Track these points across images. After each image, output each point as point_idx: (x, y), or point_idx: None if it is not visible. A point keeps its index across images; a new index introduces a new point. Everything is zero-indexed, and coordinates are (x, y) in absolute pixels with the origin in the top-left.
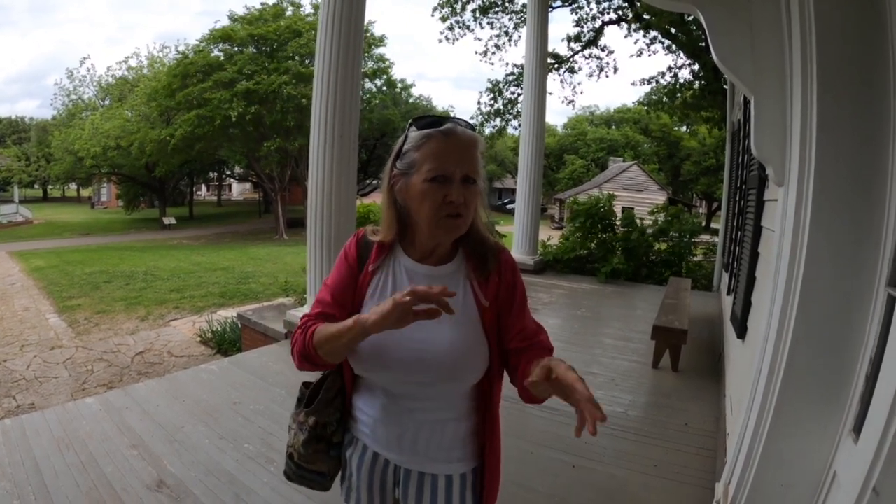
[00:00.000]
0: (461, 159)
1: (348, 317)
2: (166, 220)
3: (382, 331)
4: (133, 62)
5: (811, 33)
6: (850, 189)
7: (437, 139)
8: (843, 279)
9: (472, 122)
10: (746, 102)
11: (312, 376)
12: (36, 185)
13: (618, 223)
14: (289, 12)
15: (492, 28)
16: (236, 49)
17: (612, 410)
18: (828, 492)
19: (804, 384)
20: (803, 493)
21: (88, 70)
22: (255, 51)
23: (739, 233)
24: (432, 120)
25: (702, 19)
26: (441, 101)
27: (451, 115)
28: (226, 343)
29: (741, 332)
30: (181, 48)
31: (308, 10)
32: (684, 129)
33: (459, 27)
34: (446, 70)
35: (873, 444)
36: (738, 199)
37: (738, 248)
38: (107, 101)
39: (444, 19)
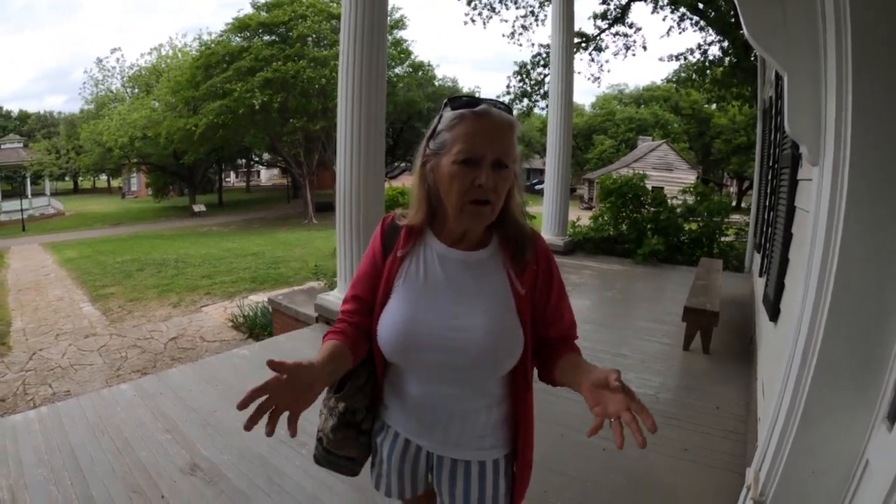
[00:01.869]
0: (493, 142)
1: (375, 308)
2: (196, 208)
3: (312, 396)
4: (157, 53)
5: (845, 8)
6: (886, 169)
7: (469, 120)
8: (878, 262)
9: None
10: (778, 79)
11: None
12: (66, 178)
13: (648, 203)
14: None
15: (517, 7)
16: (255, 37)
17: (642, 393)
18: (860, 480)
19: (837, 369)
20: (835, 480)
21: (118, 60)
22: (270, 38)
23: (772, 213)
24: (468, 101)
25: None
26: (465, 82)
27: (478, 96)
28: (257, 327)
29: (774, 314)
30: (205, 38)
31: None
32: (714, 106)
33: (486, 8)
34: (468, 52)
35: None
36: (770, 178)
37: (770, 229)
38: (134, 92)
39: (469, 2)
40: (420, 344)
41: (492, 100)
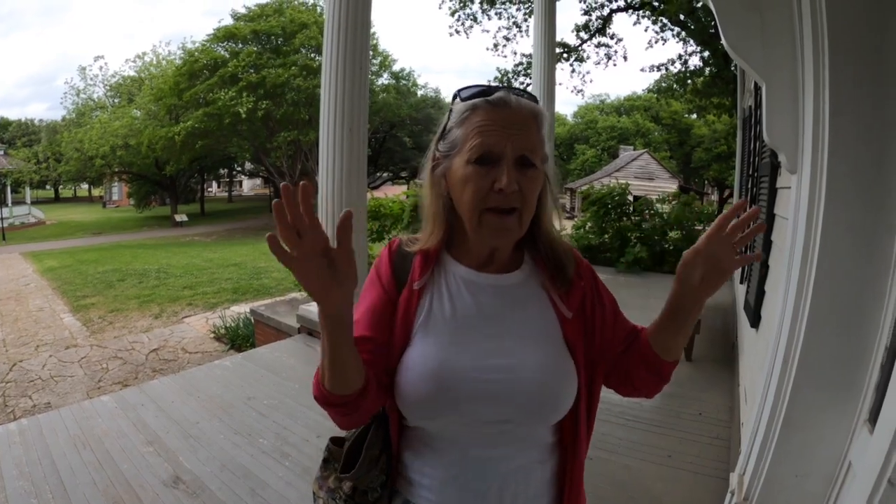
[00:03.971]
0: (514, 135)
1: (390, 353)
2: (178, 218)
3: (315, 290)
4: (141, 61)
5: (822, 17)
6: (863, 176)
7: (483, 110)
8: (857, 267)
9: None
10: (758, 88)
11: (341, 431)
12: (47, 186)
13: (631, 211)
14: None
15: (500, 19)
16: (240, 46)
17: (625, 401)
18: (843, 482)
19: (819, 374)
20: (818, 483)
21: (101, 69)
22: (258, 47)
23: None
24: (480, 89)
25: (711, 5)
26: (448, 92)
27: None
28: (239, 339)
29: (755, 320)
30: (188, 46)
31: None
32: (695, 116)
33: (469, 19)
34: (451, 62)
35: (889, 436)
36: (750, 186)
37: None
38: (116, 101)
39: (453, 13)
40: (456, 396)
41: (511, 87)
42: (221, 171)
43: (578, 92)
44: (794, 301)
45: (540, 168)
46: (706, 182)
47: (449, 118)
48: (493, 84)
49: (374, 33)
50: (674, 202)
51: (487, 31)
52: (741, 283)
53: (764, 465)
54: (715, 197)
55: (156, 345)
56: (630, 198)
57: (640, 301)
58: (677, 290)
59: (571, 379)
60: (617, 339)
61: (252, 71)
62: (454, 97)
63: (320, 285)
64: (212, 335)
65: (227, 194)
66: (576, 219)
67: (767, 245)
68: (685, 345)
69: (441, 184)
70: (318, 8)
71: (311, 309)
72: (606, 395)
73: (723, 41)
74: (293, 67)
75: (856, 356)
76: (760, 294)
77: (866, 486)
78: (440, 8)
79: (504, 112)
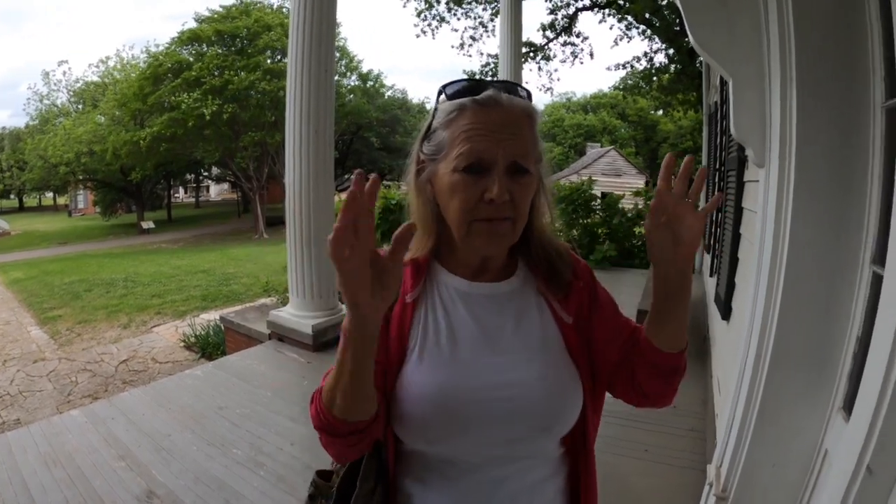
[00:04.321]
0: (506, 140)
1: (385, 374)
2: (144, 225)
3: (360, 301)
4: (105, 66)
5: (788, 12)
6: (831, 168)
7: (472, 112)
8: (827, 258)
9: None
10: (724, 84)
11: (317, 462)
12: (11, 196)
13: (598, 208)
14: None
15: (467, 19)
16: (205, 49)
17: None
18: (819, 469)
19: (792, 364)
20: (795, 472)
21: (65, 73)
22: (223, 50)
23: (720, 214)
24: (467, 85)
25: (678, 2)
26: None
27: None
28: (209, 347)
29: (726, 313)
30: (152, 50)
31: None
32: (661, 112)
33: (435, 20)
34: (418, 62)
35: (865, 424)
36: (716, 180)
37: (718, 230)
38: (80, 107)
39: (419, 14)
40: (461, 419)
41: (500, 81)
42: (188, 177)
43: (547, 90)
44: (766, 293)
45: (533, 173)
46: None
47: (434, 117)
48: (482, 78)
49: (341, 35)
50: (642, 197)
51: (456, 31)
52: (711, 275)
53: (741, 456)
54: None
55: (125, 356)
56: (598, 194)
57: (621, 289)
58: (656, 266)
59: (577, 389)
60: (618, 341)
61: (217, 73)
62: (439, 93)
63: (366, 295)
64: (182, 344)
65: (194, 200)
66: None
67: (736, 238)
68: (685, 330)
69: (427, 189)
70: (283, 9)
71: (282, 314)
72: None
73: (689, 37)
74: (257, 71)
75: (828, 346)
76: (731, 286)
77: (844, 473)
78: (405, 7)
79: (494, 113)
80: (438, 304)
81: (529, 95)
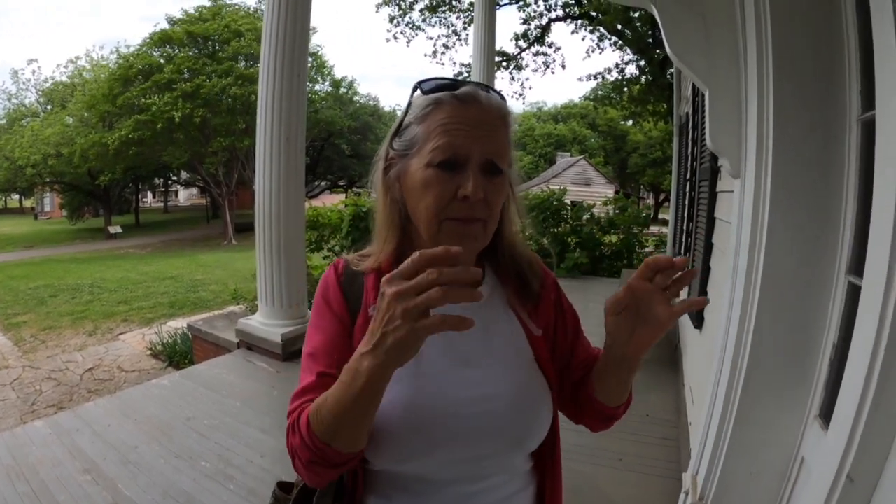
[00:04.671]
0: (482, 137)
1: None
2: (112, 230)
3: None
4: (74, 66)
5: (766, 24)
6: (807, 179)
7: (450, 106)
8: (803, 268)
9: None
10: (696, 95)
11: (288, 475)
12: None
13: (568, 217)
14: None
15: (441, 27)
16: (176, 51)
17: None
18: (797, 476)
19: (768, 373)
20: (772, 479)
21: (34, 73)
22: (195, 52)
23: (691, 224)
24: (444, 82)
25: (655, 14)
26: (387, 100)
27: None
28: (177, 355)
29: (698, 322)
30: (123, 51)
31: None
32: (630, 123)
33: (408, 27)
34: (388, 70)
35: (845, 432)
36: (687, 190)
37: (689, 240)
38: (48, 107)
39: (391, 20)
40: (429, 437)
41: (475, 82)
42: (157, 181)
43: (520, 97)
44: (742, 302)
45: (507, 175)
46: (641, 187)
47: (407, 112)
48: (458, 78)
49: (316, 43)
50: (612, 206)
51: (432, 39)
52: None
53: (717, 465)
54: (651, 200)
55: (90, 364)
56: (567, 202)
57: (580, 305)
58: (609, 342)
59: (547, 402)
60: (575, 362)
61: (188, 76)
62: (414, 89)
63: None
64: (148, 352)
65: (162, 204)
66: None
67: (708, 248)
68: (627, 391)
69: (395, 187)
70: (258, 12)
71: (251, 323)
72: None
73: (667, 48)
74: (228, 77)
75: (804, 354)
76: (703, 296)
77: (825, 481)
78: (377, 12)
79: (472, 109)
80: None
81: (504, 99)
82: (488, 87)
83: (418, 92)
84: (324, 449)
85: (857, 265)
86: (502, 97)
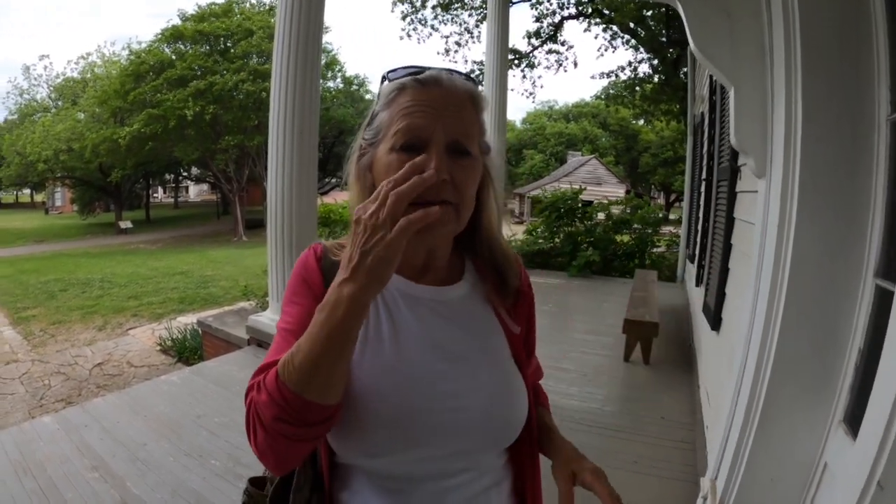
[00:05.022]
0: (444, 118)
1: None
2: (122, 225)
3: (381, 271)
4: (85, 62)
5: (794, 21)
6: (834, 179)
7: (412, 90)
8: (830, 270)
9: None
10: (712, 94)
11: (259, 471)
12: None
13: (582, 216)
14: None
15: (453, 24)
16: (187, 48)
17: (587, 407)
18: (819, 482)
19: (792, 377)
20: (793, 485)
21: (46, 68)
22: (206, 48)
23: (706, 224)
24: (410, 69)
25: (680, 10)
26: None
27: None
28: (187, 351)
29: (715, 323)
30: (134, 47)
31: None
32: (642, 122)
33: (421, 24)
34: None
35: (876, 440)
36: (702, 190)
37: (706, 240)
38: (60, 103)
39: (404, 17)
40: (404, 434)
41: (445, 68)
42: (167, 177)
43: (530, 95)
44: (767, 305)
45: (477, 157)
46: (652, 186)
47: (377, 102)
48: (428, 67)
49: (332, 44)
50: (625, 206)
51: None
52: (697, 285)
53: (739, 470)
54: (661, 200)
55: (100, 359)
56: (581, 202)
57: (594, 305)
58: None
59: (523, 401)
60: (530, 366)
61: (200, 73)
62: (382, 79)
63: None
64: (158, 347)
65: (173, 200)
66: (526, 223)
67: (727, 248)
68: None
69: (367, 177)
70: (271, 10)
71: (261, 319)
72: (566, 401)
73: (691, 45)
74: (241, 73)
75: (828, 358)
76: (721, 297)
77: (853, 488)
78: (392, 11)
79: (435, 91)
80: (381, 305)
81: (474, 82)
82: (455, 71)
83: (386, 82)
84: (294, 400)
85: (886, 268)
86: (472, 80)
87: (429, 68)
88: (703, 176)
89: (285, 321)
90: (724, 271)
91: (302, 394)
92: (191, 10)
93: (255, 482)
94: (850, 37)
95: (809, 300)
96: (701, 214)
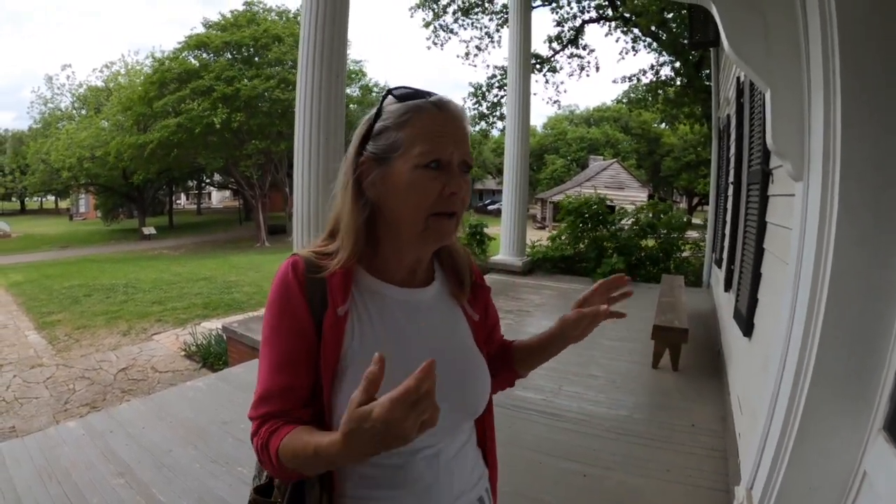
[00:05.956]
0: (459, 139)
1: (315, 393)
2: (146, 231)
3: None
4: (109, 70)
5: (831, 15)
6: (874, 183)
7: (430, 113)
8: (870, 275)
9: None
10: (739, 97)
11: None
12: (13, 198)
13: (606, 221)
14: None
15: (473, 29)
16: (212, 57)
17: (616, 414)
18: (858, 491)
19: (832, 384)
20: (833, 494)
21: (68, 78)
22: (231, 57)
23: (734, 228)
24: (414, 91)
25: (714, 11)
26: None
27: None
28: (211, 356)
29: (747, 329)
30: (157, 55)
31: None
32: (664, 125)
33: (443, 30)
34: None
35: None
36: (729, 194)
37: (735, 244)
38: (83, 111)
39: (427, 25)
40: None
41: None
42: (190, 183)
43: (554, 103)
44: (806, 312)
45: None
46: (675, 190)
47: (377, 118)
48: (427, 90)
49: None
50: (650, 210)
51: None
52: (726, 290)
53: (776, 479)
54: (684, 205)
55: (124, 364)
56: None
57: (620, 310)
58: (556, 333)
59: (488, 378)
60: (496, 337)
61: (224, 82)
62: (384, 97)
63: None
64: (182, 353)
65: (196, 206)
66: (548, 229)
67: (759, 253)
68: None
69: (372, 189)
70: (297, 19)
71: None
72: (595, 408)
73: (725, 47)
74: (270, 80)
75: (869, 365)
76: (753, 302)
77: (893, 497)
78: (412, 16)
79: (447, 115)
80: (374, 314)
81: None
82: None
83: (391, 98)
84: (295, 476)
85: None
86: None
87: (429, 92)
88: (731, 179)
89: (272, 355)
90: (756, 276)
91: (302, 473)
92: (213, 17)
93: (260, 490)
94: (889, 35)
95: (850, 306)
96: (728, 218)
